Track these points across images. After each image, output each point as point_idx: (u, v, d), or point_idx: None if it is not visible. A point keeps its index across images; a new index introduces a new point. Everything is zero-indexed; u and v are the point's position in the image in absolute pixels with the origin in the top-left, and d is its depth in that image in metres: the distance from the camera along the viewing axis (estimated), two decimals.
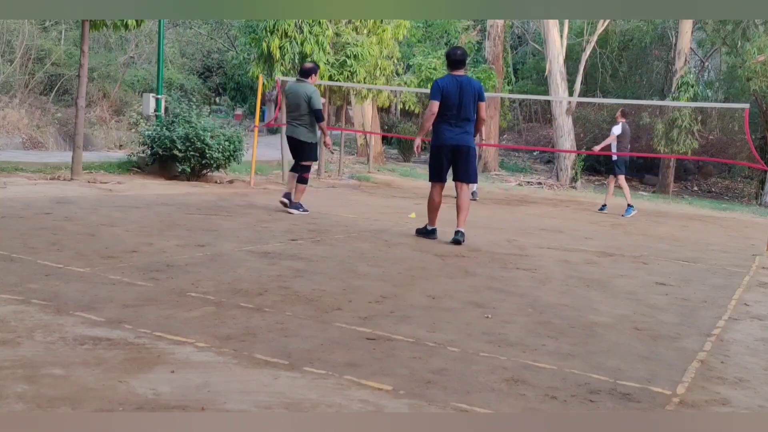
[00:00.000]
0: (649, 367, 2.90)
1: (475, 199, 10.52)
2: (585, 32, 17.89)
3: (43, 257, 4.03)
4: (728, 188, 18.27)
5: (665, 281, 4.87)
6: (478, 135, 6.28)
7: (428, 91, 6.18)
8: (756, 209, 13.55)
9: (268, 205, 7.61)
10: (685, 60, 16.64)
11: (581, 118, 19.10)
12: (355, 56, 11.53)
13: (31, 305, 3.07)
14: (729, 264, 5.95)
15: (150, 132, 9.68)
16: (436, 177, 6.02)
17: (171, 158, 9.38)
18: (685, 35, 16.67)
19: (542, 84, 19.52)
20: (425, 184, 6.18)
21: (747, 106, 8.34)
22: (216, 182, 9.80)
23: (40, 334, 2.69)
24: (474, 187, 10.73)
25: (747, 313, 4.11)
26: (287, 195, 7.18)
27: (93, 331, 2.78)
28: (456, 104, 5.78)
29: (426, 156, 22.22)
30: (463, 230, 5.89)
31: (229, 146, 9.64)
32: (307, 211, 7.10)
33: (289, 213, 6.98)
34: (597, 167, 18.61)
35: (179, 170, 9.38)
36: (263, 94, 12.03)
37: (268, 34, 10.91)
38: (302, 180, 7.16)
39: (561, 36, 16.04)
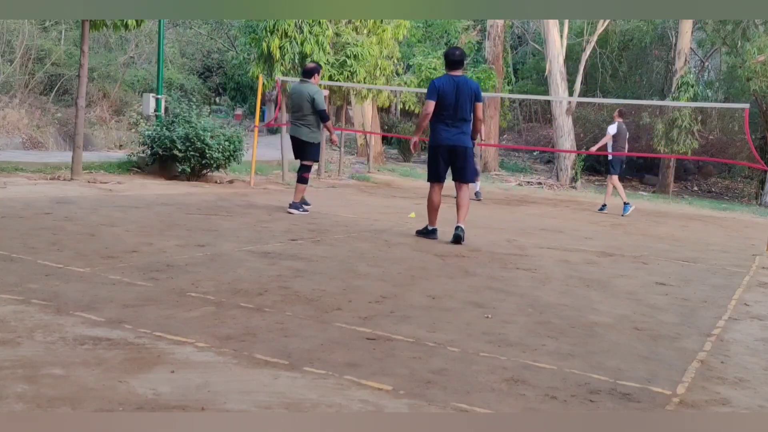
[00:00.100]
0: (649, 367, 2.90)
1: (479, 200, 10.53)
2: (585, 32, 17.89)
3: (43, 257, 4.03)
4: (728, 188, 18.27)
5: (665, 281, 4.87)
6: (478, 135, 6.29)
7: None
8: (756, 209, 13.56)
9: (268, 205, 7.62)
10: (685, 60, 16.64)
11: (581, 118, 19.10)
12: (355, 56, 11.53)
13: (31, 305, 3.07)
14: (729, 264, 5.95)
15: (150, 132, 9.68)
16: (434, 177, 6.03)
17: (171, 158, 9.38)
18: (685, 35, 16.67)
19: (542, 84, 19.52)
20: (425, 184, 6.18)
21: (747, 106, 8.34)
22: (216, 182, 9.80)
23: (40, 334, 2.69)
24: (477, 187, 10.73)
25: (747, 313, 4.11)
26: (298, 202, 7.27)
27: (93, 331, 2.78)
28: (452, 104, 5.79)
29: (425, 155, 22.13)
30: (463, 226, 5.89)
31: (229, 146, 9.63)
32: (306, 211, 7.11)
33: (290, 213, 6.99)
34: (597, 167, 18.60)
35: (179, 170, 9.38)
36: (263, 94, 12.04)
37: (268, 34, 10.91)
38: (302, 180, 7.17)
39: (561, 36, 16.04)
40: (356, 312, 3.40)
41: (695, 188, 18.16)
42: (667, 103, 14.24)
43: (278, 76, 10.71)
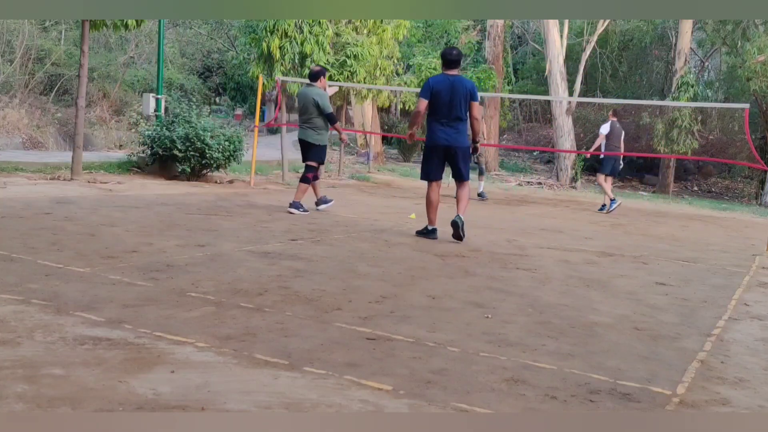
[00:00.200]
0: (649, 367, 2.90)
1: (485, 199, 10.51)
2: (585, 32, 17.89)
3: (43, 257, 4.03)
4: (728, 188, 18.27)
5: (665, 281, 4.87)
6: (480, 136, 6.30)
7: None
8: (756, 209, 13.56)
9: (269, 205, 7.62)
10: (685, 60, 16.65)
11: (581, 118, 19.10)
12: (355, 56, 11.54)
13: (31, 305, 3.07)
14: (729, 264, 5.95)
15: (150, 132, 9.68)
16: (430, 176, 6.03)
17: (171, 158, 9.38)
18: (685, 35, 16.67)
19: (542, 84, 19.52)
20: (425, 184, 6.18)
21: (747, 106, 8.35)
22: (216, 182, 9.80)
23: (40, 334, 2.69)
24: (481, 187, 10.72)
25: (747, 313, 4.11)
26: (320, 200, 7.46)
27: (93, 331, 2.78)
28: (447, 103, 5.79)
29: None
30: (462, 217, 5.90)
31: (229, 146, 9.64)
32: (306, 211, 7.11)
33: (290, 212, 7.00)
34: (597, 167, 18.57)
35: (179, 170, 9.38)
36: (263, 94, 12.03)
37: (268, 34, 10.92)
38: (305, 180, 7.22)
39: (561, 36, 16.04)
40: (356, 312, 3.40)
41: (695, 188, 18.16)
42: (667, 103, 14.24)
43: (278, 76, 10.72)
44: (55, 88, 15.56)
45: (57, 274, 3.67)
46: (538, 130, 23.88)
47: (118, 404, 2.10)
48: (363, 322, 3.22)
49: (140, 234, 5.08)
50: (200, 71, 25.66)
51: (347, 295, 3.74)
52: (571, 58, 18.72)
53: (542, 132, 23.01)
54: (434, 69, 15.94)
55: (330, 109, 7.25)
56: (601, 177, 10.39)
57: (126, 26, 8.91)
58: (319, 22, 11.08)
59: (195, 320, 3.05)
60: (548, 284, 4.46)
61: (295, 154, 15.84)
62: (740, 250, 7.06)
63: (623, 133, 10.55)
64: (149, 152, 9.69)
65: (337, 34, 11.82)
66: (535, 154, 21.02)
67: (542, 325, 3.43)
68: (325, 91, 7.41)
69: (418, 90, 13.06)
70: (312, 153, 7.26)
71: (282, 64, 11.02)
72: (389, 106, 18.00)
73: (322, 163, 7.53)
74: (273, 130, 19.77)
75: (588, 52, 16.91)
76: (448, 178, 6.64)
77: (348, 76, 11.57)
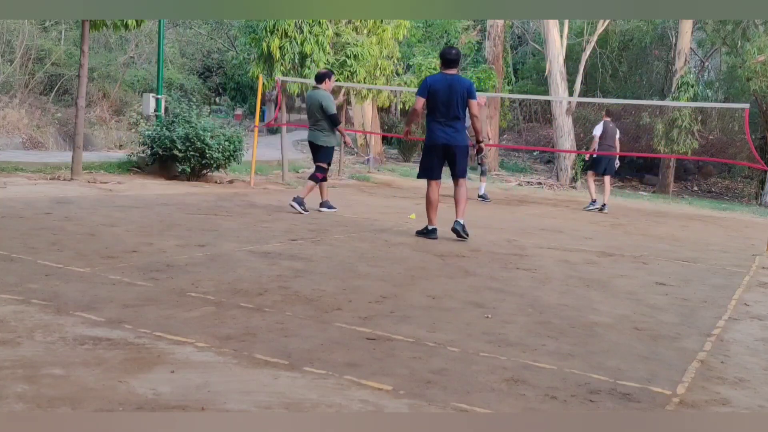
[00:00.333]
0: (649, 367, 2.91)
1: (487, 201, 10.47)
2: (585, 32, 17.89)
3: (43, 257, 4.04)
4: (728, 188, 18.27)
5: (665, 281, 4.87)
6: (484, 135, 6.31)
7: None
8: (756, 209, 13.56)
9: (269, 205, 7.62)
10: (685, 60, 16.64)
11: (581, 118, 19.10)
12: (355, 56, 11.53)
13: (31, 305, 3.08)
14: (729, 264, 5.95)
15: (150, 132, 9.68)
16: (429, 174, 6.05)
17: (171, 158, 9.38)
18: (685, 35, 16.67)
19: (542, 84, 19.51)
20: (425, 184, 6.19)
21: (747, 106, 8.35)
22: (216, 182, 9.81)
23: (40, 334, 2.69)
24: (482, 189, 10.68)
25: (747, 313, 4.11)
26: (324, 202, 7.52)
27: (93, 331, 2.79)
28: (444, 102, 5.80)
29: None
30: (462, 221, 5.91)
31: (229, 146, 9.64)
32: (307, 211, 7.11)
33: (291, 205, 7.06)
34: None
35: (179, 170, 9.38)
36: (263, 94, 12.04)
37: (268, 34, 10.91)
38: (313, 178, 7.29)
39: (561, 36, 16.04)
40: (356, 312, 3.40)
41: (695, 188, 18.16)
42: (667, 103, 14.23)
43: (278, 76, 10.72)
44: (55, 88, 15.57)
45: (57, 274, 3.67)
46: (538, 130, 23.87)
47: (118, 404, 2.10)
48: (363, 322, 3.22)
49: (140, 234, 5.08)
50: (200, 71, 25.67)
51: (347, 295, 3.74)
52: (571, 58, 18.71)
53: (542, 132, 23.00)
54: (434, 69, 15.93)
55: (333, 110, 7.29)
56: (589, 174, 10.55)
57: (126, 26, 8.91)
58: (319, 22, 11.07)
59: (195, 320, 3.05)
60: (548, 284, 4.46)
61: (295, 154, 15.86)
62: (740, 250, 7.06)
63: (618, 132, 10.62)
64: (149, 152, 9.70)
65: (337, 34, 11.82)
66: (535, 154, 21.02)
67: (542, 325, 3.43)
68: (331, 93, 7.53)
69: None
70: (320, 154, 7.37)
71: (282, 64, 11.02)
72: (389, 106, 18.00)
73: (329, 163, 7.61)
74: (273, 130, 19.77)
75: (588, 52, 16.91)
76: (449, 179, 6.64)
77: (348, 76, 11.57)
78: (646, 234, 7.85)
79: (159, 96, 11.53)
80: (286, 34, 10.93)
